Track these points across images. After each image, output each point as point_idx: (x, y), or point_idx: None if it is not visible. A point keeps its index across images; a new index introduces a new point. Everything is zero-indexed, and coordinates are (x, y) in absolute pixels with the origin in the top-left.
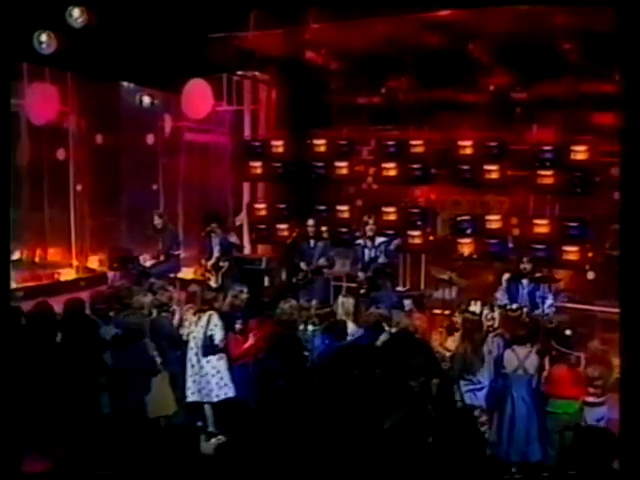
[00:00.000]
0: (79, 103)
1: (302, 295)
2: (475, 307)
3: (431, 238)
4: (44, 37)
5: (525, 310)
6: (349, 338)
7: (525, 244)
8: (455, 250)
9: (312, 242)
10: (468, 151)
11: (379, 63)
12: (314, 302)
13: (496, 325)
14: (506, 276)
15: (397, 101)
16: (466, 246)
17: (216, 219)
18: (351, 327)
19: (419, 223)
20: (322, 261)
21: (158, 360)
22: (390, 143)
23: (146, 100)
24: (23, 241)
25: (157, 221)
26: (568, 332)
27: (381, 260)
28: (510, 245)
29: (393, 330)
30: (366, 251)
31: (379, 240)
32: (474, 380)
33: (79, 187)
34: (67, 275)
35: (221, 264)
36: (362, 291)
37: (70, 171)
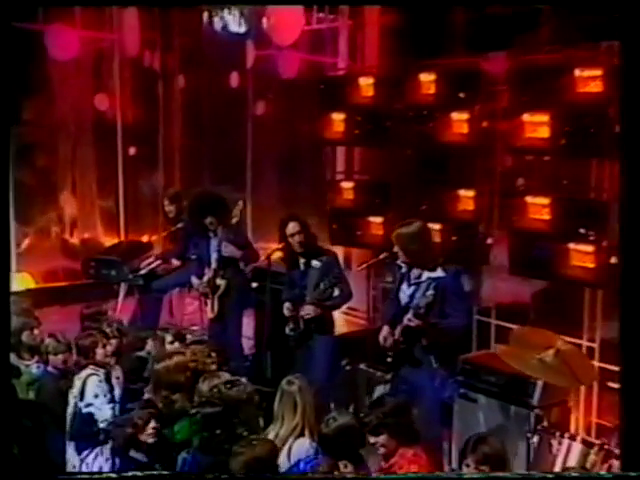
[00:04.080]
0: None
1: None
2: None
3: (613, 260)
4: None
5: None
6: None
7: None
8: None
9: (302, 264)
10: None
11: None
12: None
13: None
14: None
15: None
16: None
17: (214, 210)
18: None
19: (582, 230)
20: (320, 292)
21: None
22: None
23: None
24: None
25: (168, 207)
26: None
27: (421, 308)
28: None
29: None
30: (404, 289)
31: (427, 275)
32: None
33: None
34: None
35: (218, 282)
36: (388, 359)
37: (118, 128)
